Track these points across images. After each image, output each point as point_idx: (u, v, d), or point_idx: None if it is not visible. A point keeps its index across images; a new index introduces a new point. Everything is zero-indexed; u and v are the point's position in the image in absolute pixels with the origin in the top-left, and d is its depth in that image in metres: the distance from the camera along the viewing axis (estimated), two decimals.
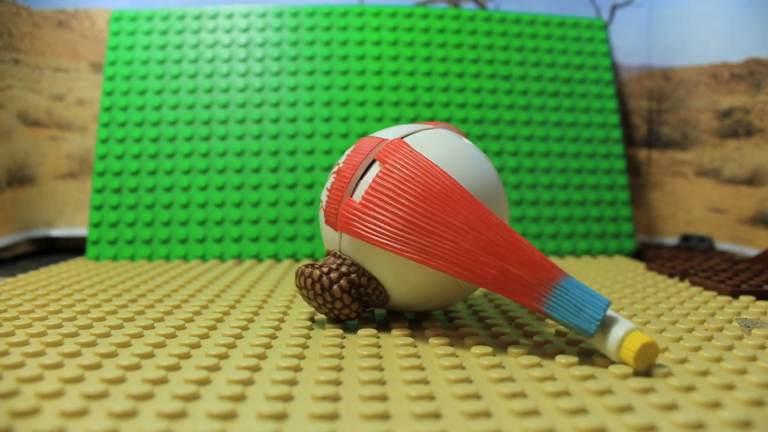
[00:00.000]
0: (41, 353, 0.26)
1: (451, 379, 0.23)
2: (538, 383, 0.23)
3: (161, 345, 0.28)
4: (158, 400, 0.21)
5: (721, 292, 0.40)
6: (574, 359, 0.25)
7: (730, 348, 0.28)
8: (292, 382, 0.23)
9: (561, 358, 0.25)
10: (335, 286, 0.30)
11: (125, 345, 0.28)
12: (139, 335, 0.29)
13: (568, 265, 0.53)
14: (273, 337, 0.30)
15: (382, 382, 0.23)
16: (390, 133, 0.31)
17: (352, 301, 0.30)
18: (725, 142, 0.60)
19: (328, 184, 0.31)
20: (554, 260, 0.56)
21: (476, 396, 0.22)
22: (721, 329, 0.31)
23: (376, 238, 0.28)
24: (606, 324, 0.25)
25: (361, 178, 0.30)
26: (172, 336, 0.30)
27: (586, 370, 0.24)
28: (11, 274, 0.49)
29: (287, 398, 0.22)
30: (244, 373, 0.23)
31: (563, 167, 0.61)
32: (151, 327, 0.31)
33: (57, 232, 0.63)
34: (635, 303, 0.37)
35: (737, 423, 0.19)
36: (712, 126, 0.61)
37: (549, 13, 0.67)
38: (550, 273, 0.26)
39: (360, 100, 0.60)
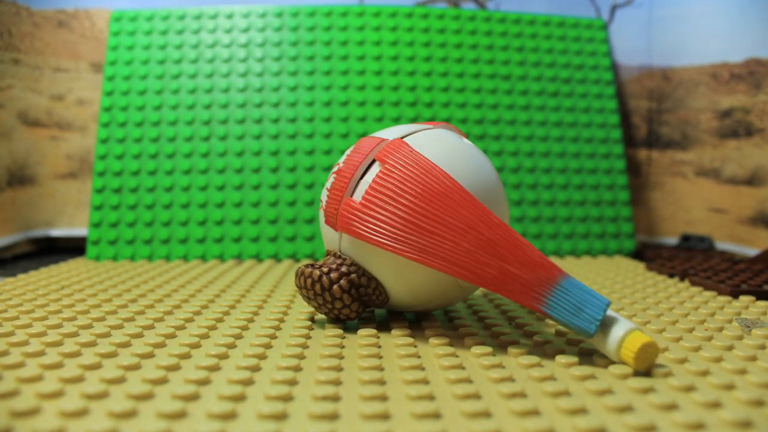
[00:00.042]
0: (41, 353, 0.26)
1: (451, 379, 0.23)
2: (538, 383, 0.23)
3: (161, 345, 0.28)
4: (158, 400, 0.21)
5: (721, 292, 0.40)
6: (574, 359, 0.25)
7: (730, 348, 0.28)
8: (292, 382, 0.23)
9: (561, 358, 0.25)
10: (335, 286, 0.30)
11: (125, 345, 0.28)
12: (139, 335, 0.29)
13: (568, 265, 0.53)
14: (273, 337, 0.30)
15: (382, 382, 0.23)
16: (390, 133, 0.31)
17: (352, 301, 0.30)
18: (725, 142, 0.60)
19: (328, 184, 0.31)
20: (554, 260, 0.56)
21: (476, 396, 0.22)
22: (721, 329, 0.31)
23: (376, 238, 0.28)
24: (606, 324, 0.25)
25: (361, 178, 0.30)
26: (172, 336, 0.30)
27: (586, 370, 0.24)
28: (11, 274, 0.49)
29: (287, 398, 0.22)
30: (244, 373, 0.23)
31: (563, 167, 0.61)
32: (151, 327, 0.31)
33: (57, 232, 0.63)
34: (635, 303, 0.37)
35: (737, 423, 0.19)
36: (712, 126, 0.61)
37: (549, 13, 0.67)
38: (550, 273, 0.26)
39: (360, 100, 0.60)
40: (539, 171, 0.61)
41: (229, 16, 0.62)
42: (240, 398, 0.22)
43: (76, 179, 0.63)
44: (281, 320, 0.33)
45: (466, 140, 0.32)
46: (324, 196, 0.31)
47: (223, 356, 0.26)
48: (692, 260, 0.53)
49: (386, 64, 0.62)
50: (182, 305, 0.36)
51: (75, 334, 0.29)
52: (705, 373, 0.24)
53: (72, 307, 0.35)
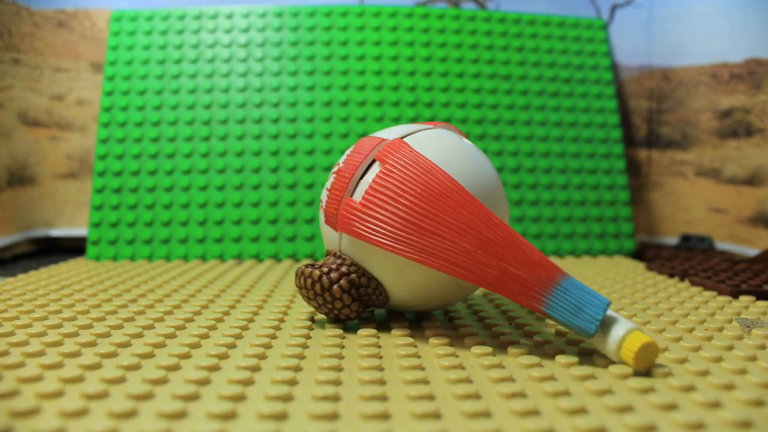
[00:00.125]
0: (41, 353, 0.26)
1: (451, 379, 0.23)
2: (538, 383, 0.23)
3: (161, 345, 0.28)
4: (158, 400, 0.21)
5: (721, 292, 0.40)
6: (574, 359, 0.25)
7: (730, 348, 0.28)
8: (292, 382, 0.23)
9: (561, 358, 0.25)
10: (335, 286, 0.30)
11: (125, 345, 0.28)
12: (139, 335, 0.29)
13: (568, 265, 0.53)
14: (273, 337, 0.30)
15: (382, 382, 0.23)
16: (390, 133, 0.31)
17: (352, 301, 0.30)
18: (725, 142, 0.60)
19: (328, 184, 0.31)
20: (554, 260, 0.56)
21: (476, 396, 0.22)
22: (721, 329, 0.31)
23: (376, 238, 0.28)
24: (606, 324, 0.25)
25: (361, 178, 0.30)
26: (172, 336, 0.30)
27: (586, 370, 0.24)
28: (11, 274, 0.49)
29: (287, 398, 0.22)
30: (244, 373, 0.23)
31: (563, 167, 0.61)
32: (151, 327, 0.31)
33: (57, 232, 0.63)
34: (635, 303, 0.37)
35: (737, 423, 0.19)
36: (712, 126, 0.61)
37: (549, 13, 0.67)
38: (550, 273, 0.26)
39: (360, 100, 0.60)
40: (539, 171, 0.61)
41: (229, 16, 0.62)
42: (240, 398, 0.22)
43: (76, 179, 0.63)
44: (281, 320, 0.33)
45: (466, 140, 0.32)
46: (324, 196, 0.31)
47: (223, 356, 0.26)
48: (692, 260, 0.53)
49: (386, 64, 0.62)
50: (182, 305, 0.36)
51: (75, 334, 0.29)
52: (705, 373, 0.24)
53: (72, 307, 0.35)
